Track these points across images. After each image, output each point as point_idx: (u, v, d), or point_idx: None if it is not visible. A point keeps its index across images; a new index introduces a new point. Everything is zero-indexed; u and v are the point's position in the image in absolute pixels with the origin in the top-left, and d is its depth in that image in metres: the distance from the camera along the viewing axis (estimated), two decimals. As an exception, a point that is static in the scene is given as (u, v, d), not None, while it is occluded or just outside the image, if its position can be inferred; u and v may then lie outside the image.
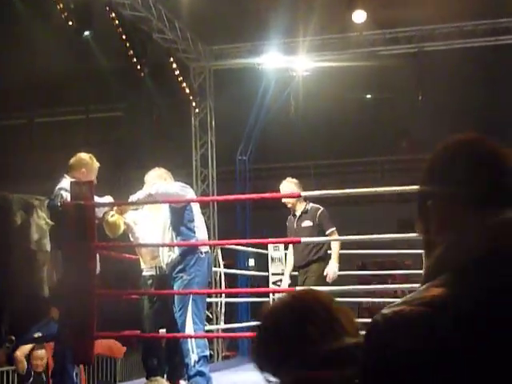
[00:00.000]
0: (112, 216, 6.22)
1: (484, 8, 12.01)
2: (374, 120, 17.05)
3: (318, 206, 7.74)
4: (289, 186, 7.79)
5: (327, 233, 7.49)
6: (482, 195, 1.46)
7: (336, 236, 7.47)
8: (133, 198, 6.11)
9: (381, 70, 13.76)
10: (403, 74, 13.57)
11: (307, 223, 7.62)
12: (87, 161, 6.15)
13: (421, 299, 1.36)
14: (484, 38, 12.51)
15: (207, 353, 6.13)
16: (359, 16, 12.08)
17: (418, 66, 12.85)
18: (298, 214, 7.78)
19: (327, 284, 7.55)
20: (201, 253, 6.17)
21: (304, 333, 1.72)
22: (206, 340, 6.31)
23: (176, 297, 6.19)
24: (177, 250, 6.20)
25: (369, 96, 17.23)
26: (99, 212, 5.97)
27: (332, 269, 7.67)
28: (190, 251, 6.15)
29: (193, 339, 5.99)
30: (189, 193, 6.41)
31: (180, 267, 6.16)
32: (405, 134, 18.03)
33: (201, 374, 5.99)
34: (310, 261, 7.63)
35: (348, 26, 12.34)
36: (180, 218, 6.20)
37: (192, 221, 6.24)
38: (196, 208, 6.39)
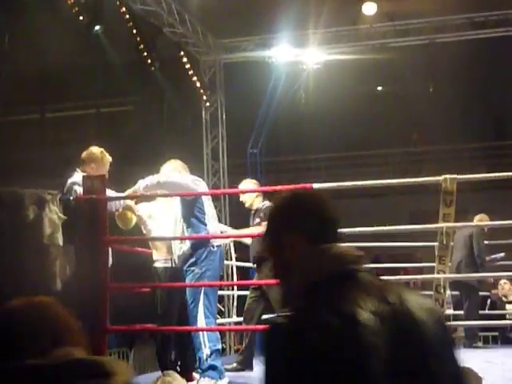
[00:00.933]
0: (123, 208, 6.24)
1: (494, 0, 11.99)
2: (385, 112, 17.01)
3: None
4: (249, 185, 7.83)
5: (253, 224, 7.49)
6: (315, 234, 1.95)
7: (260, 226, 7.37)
8: (141, 182, 6.08)
9: (392, 62, 13.73)
10: (414, 67, 13.56)
11: (256, 221, 7.63)
12: (97, 155, 6.14)
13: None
14: (495, 29, 12.45)
15: (219, 346, 6.14)
16: (369, 8, 12.08)
17: (429, 58, 12.81)
18: (252, 212, 7.79)
19: None
20: (212, 246, 6.16)
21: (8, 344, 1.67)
22: (218, 334, 6.32)
23: (188, 290, 6.20)
24: (188, 243, 6.21)
25: (380, 88, 17.20)
26: (112, 206, 5.98)
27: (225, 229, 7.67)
28: (201, 244, 6.15)
29: (205, 333, 6.00)
30: (200, 186, 6.40)
31: (191, 261, 6.16)
32: (416, 126, 17.99)
33: (213, 367, 6.01)
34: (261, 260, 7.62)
35: (358, 18, 12.33)
36: (191, 210, 6.20)
37: (203, 213, 6.24)
38: (208, 201, 6.38)
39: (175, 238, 6.45)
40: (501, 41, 13.19)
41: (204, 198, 6.30)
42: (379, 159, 17.84)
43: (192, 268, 6.14)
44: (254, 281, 7.86)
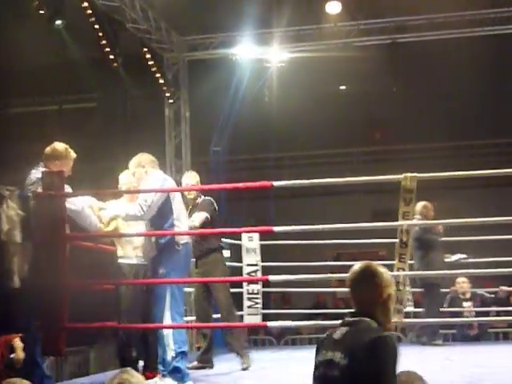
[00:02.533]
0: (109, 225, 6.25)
1: (455, 1, 12.08)
2: (349, 111, 17.09)
3: (208, 197, 7.75)
4: (195, 177, 7.75)
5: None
6: None
7: (197, 221, 7.37)
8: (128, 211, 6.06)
9: (355, 61, 13.78)
10: (377, 66, 13.60)
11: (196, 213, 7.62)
12: (62, 152, 6.02)
13: None
14: (456, 29, 12.56)
15: (185, 348, 6.07)
16: (333, 7, 12.10)
17: (392, 58, 12.87)
18: (195, 204, 7.73)
19: (225, 273, 7.61)
20: (177, 245, 6.10)
21: None
22: (185, 336, 6.26)
23: (154, 291, 6.15)
24: (154, 245, 6.14)
25: (343, 87, 17.26)
26: (74, 203, 5.88)
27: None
28: (166, 245, 6.08)
29: (170, 335, 5.94)
30: (167, 184, 6.32)
31: (157, 261, 6.11)
32: (378, 125, 18.09)
33: (177, 369, 5.95)
34: (204, 252, 7.61)
35: (322, 17, 12.36)
36: (158, 210, 6.12)
37: (171, 213, 6.16)
38: (177, 199, 6.31)
39: (134, 235, 6.41)
40: (463, 41, 13.31)
41: (172, 196, 6.22)
42: (342, 158, 17.91)
43: (157, 268, 6.09)
44: (203, 278, 7.76)
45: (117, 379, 4.82)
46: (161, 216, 6.10)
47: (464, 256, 9.77)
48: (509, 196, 15.30)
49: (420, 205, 9.06)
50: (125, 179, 6.79)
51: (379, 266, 3.21)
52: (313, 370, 3.17)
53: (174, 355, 5.93)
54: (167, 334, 5.95)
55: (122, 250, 6.73)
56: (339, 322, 3.17)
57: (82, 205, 5.98)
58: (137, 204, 6.01)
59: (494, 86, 16.39)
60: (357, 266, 3.22)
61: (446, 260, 9.47)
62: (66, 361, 11.34)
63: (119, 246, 6.74)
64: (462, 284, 10.22)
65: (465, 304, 10.22)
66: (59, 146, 6.06)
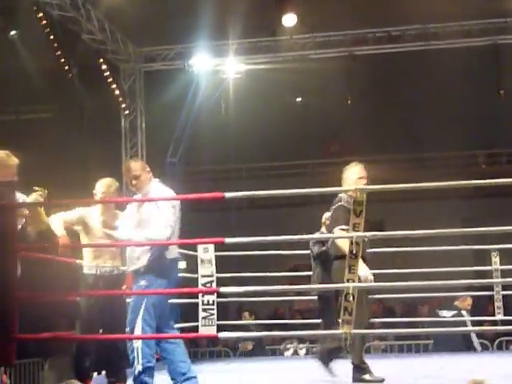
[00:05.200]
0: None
1: (412, 14, 12.24)
2: (304, 123, 17.18)
3: None
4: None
5: None
6: None
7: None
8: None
9: (311, 73, 13.86)
10: (333, 78, 13.72)
11: None
12: (1, 158, 5.89)
13: None
14: (412, 42, 12.74)
15: (153, 363, 5.97)
16: (289, 19, 12.15)
17: (348, 70, 12.99)
18: None
19: None
20: (166, 260, 6.02)
21: None
22: (154, 350, 6.16)
23: (130, 302, 6.08)
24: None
25: (299, 99, 17.34)
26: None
27: None
28: (155, 258, 5.99)
29: (139, 349, 5.85)
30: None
31: (141, 272, 6.00)
32: (334, 137, 18.20)
33: None
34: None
35: (278, 29, 12.42)
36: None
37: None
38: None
39: (94, 246, 6.37)
40: (418, 54, 13.49)
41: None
42: (298, 170, 17.98)
43: (139, 280, 6.02)
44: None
45: None
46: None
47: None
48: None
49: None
50: (101, 188, 6.76)
51: None
52: None
53: (141, 370, 5.84)
54: (137, 346, 5.87)
55: (87, 259, 6.70)
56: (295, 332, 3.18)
57: None
58: (162, 227, 5.91)
59: (451, 94, 16.54)
60: None
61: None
62: (19, 372, 11.21)
63: (85, 256, 6.73)
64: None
65: None
66: None
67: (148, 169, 6.21)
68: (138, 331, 5.86)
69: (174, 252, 6.16)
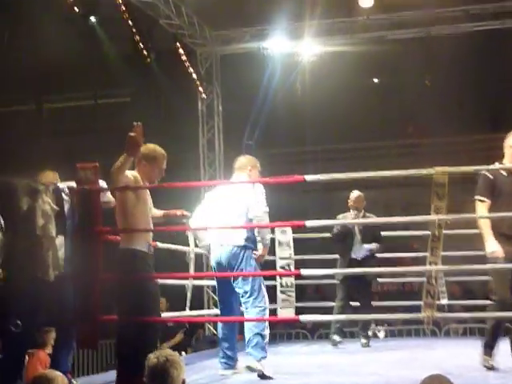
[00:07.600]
0: None
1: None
2: (381, 105, 17.01)
3: None
4: None
5: None
6: None
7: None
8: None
9: (388, 54, 13.72)
10: (410, 59, 13.55)
11: None
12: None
13: None
14: (491, 21, 12.45)
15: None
16: (366, 0, 12.04)
17: (425, 51, 12.79)
18: None
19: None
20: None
21: None
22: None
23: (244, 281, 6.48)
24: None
25: (376, 80, 17.18)
26: (104, 196, 5.93)
27: None
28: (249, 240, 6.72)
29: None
30: None
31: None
32: (411, 118, 17.97)
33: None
34: None
35: (355, 10, 12.31)
36: None
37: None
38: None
39: (148, 230, 6.13)
40: (497, 33, 13.18)
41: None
42: (375, 151, 17.81)
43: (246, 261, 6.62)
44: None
45: None
46: None
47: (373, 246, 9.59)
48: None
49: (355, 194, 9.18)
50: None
51: None
52: None
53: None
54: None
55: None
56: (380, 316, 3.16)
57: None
58: (262, 211, 6.44)
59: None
60: None
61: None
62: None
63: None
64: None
65: None
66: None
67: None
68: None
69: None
